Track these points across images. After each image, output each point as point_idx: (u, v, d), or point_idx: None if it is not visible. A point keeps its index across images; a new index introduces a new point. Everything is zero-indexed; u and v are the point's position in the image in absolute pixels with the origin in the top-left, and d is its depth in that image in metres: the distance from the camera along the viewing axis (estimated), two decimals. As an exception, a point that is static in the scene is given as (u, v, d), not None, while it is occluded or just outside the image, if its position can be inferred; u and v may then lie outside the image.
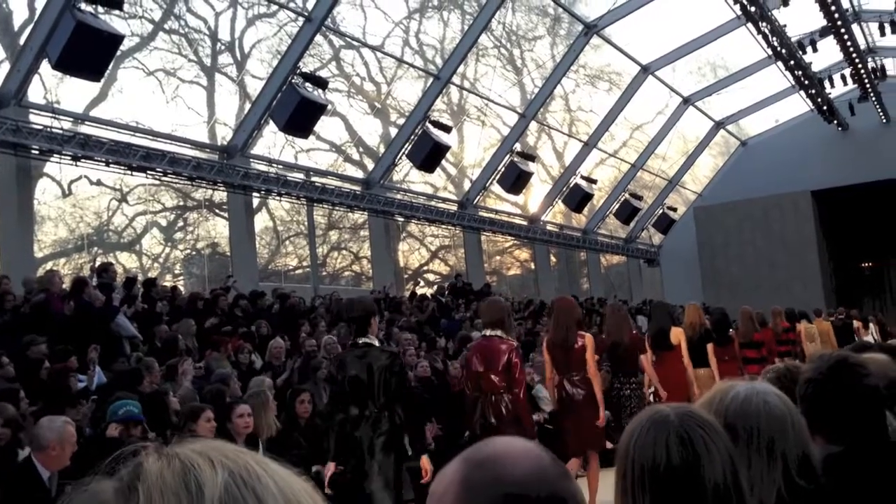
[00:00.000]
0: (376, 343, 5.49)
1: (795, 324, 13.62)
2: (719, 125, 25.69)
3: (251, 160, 14.59)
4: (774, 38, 16.60)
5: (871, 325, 19.33)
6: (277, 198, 15.20)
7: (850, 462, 2.11)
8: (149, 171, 12.72)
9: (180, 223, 15.07)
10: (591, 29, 18.59)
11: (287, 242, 17.10)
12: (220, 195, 14.59)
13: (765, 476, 1.84)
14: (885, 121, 24.34)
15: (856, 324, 18.12)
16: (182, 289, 12.91)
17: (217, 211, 15.08)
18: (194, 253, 15.15)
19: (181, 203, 14.85)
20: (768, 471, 1.84)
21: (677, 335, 8.50)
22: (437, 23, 17.58)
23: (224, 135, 14.40)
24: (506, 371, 5.81)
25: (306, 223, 16.54)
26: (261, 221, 16.10)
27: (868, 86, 20.90)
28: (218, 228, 15.15)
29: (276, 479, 0.78)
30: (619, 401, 7.90)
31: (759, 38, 16.88)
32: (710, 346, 8.89)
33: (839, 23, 16.57)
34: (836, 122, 23.67)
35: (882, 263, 30.17)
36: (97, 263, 11.48)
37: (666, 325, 8.68)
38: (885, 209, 27.00)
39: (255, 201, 15.28)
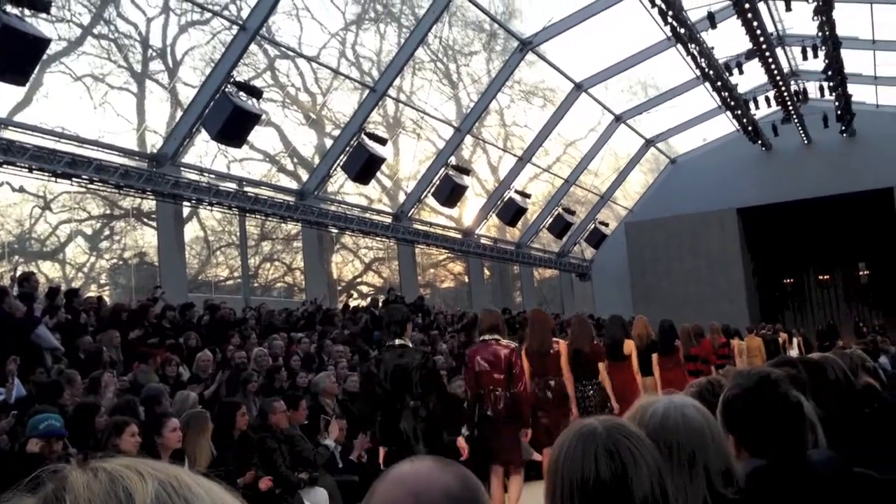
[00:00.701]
0: (410, 344, 6.35)
1: (730, 339, 14.60)
2: (650, 143, 26.27)
3: (182, 169, 14.32)
4: (703, 60, 17.07)
5: (794, 339, 20.29)
6: (209, 207, 14.91)
7: (772, 476, 2.17)
8: (74, 179, 12.35)
9: (106, 232, 14.70)
10: (527, 45, 18.83)
11: (218, 253, 16.84)
12: (149, 204, 14.28)
13: (688, 488, 1.86)
14: (806, 142, 25.24)
15: (782, 338, 19.23)
16: (107, 299, 12.57)
17: (145, 220, 14.76)
18: (121, 263, 14.79)
19: (108, 211, 14.49)
20: (691, 483, 1.87)
21: (630, 346, 9.15)
22: (374, 35, 17.59)
23: (154, 143, 14.12)
24: (507, 370, 6.51)
25: (238, 233, 16.31)
26: (191, 231, 15.83)
27: (791, 108, 21.63)
28: (146, 238, 14.83)
29: (206, 489, 0.77)
30: (584, 401, 8.29)
31: (689, 59, 17.34)
32: (654, 356, 9.70)
33: (764, 46, 17.13)
34: (760, 142, 24.42)
35: (802, 279, 31.22)
36: (18, 272, 11.09)
37: (620, 336, 9.28)
38: (805, 227, 28.00)
39: (186, 211, 14.99)
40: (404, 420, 5.94)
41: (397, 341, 6.16)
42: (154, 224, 14.56)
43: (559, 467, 1.60)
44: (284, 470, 6.87)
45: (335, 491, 7.21)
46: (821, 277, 31.07)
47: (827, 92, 20.99)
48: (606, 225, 26.87)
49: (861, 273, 30.37)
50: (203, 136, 13.73)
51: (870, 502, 2.38)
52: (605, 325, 9.79)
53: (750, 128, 22.46)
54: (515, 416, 6.50)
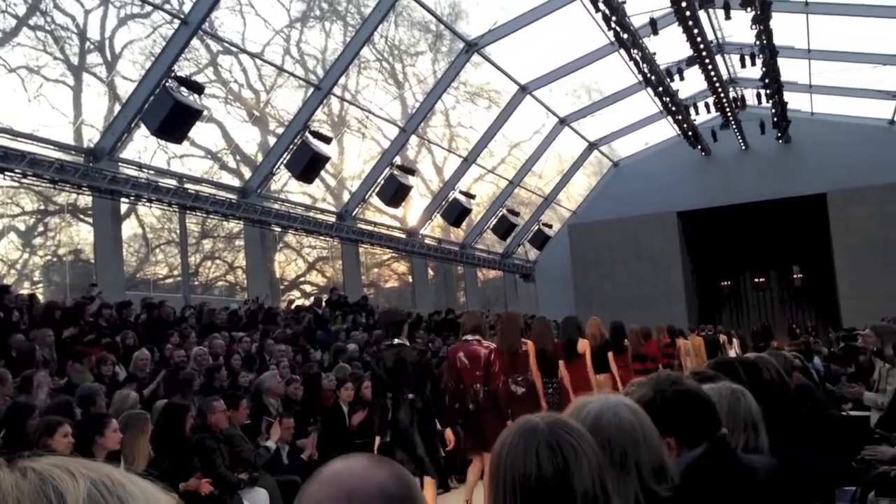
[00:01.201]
0: (407, 343, 6.90)
1: (675, 339, 15.13)
2: (593, 146, 26.59)
3: (120, 164, 14.00)
4: (645, 65, 17.33)
5: (734, 340, 21.09)
6: (147, 204, 14.60)
7: (702, 471, 2.21)
8: (6, 173, 11.96)
9: (40, 228, 14.29)
10: (472, 47, 18.90)
11: (157, 251, 16.51)
12: (85, 200, 13.92)
13: (620, 486, 1.89)
14: (744, 148, 25.84)
15: (722, 338, 19.93)
16: (41, 297, 12.22)
17: (81, 216, 14.39)
18: (55, 260, 14.39)
19: (42, 207, 14.09)
20: (623, 481, 1.89)
21: (583, 345, 9.70)
22: (319, 33, 17.45)
23: (91, 137, 13.78)
24: (485, 368, 7.11)
25: (178, 231, 16.01)
26: (129, 228, 15.48)
27: (729, 114, 22.12)
28: (82, 234, 14.47)
29: (140, 488, 0.74)
30: (546, 398, 8.65)
31: (631, 64, 17.59)
32: (610, 355, 10.35)
33: (704, 53, 17.47)
34: (700, 147, 24.91)
35: (739, 282, 31.96)
36: (-54, 269, 10.73)
37: (574, 336, 9.79)
38: (742, 231, 28.67)
39: (124, 207, 14.66)
40: (402, 411, 6.53)
41: (395, 340, 6.78)
42: (90, 220, 14.20)
43: (501, 463, 1.60)
44: (224, 470, 6.77)
45: (276, 491, 7.13)
46: (756, 280, 31.84)
47: (764, 99, 21.54)
48: (550, 227, 27.11)
49: (795, 276, 31.19)
50: (142, 132, 13.45)
51: (801, 499, 2.45)
52: (561, 326, 10.19)
53: (690, 133, 22.90)
54: (494, 408, 7.06)
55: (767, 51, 17.75)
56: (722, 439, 2.36)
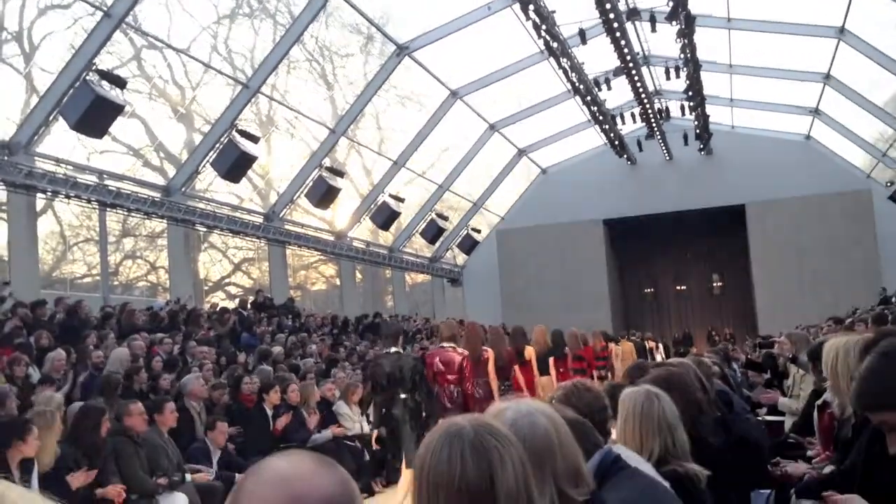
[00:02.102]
0: (402, 351, 8.27)
1: (609, 343, 16.19)
2: (522, 152, 26.85)
3: (36, 158, 13.51)
4: (573, 74, 17.60)
5: (659, 345, 21.93)
6: (65, 200, 14.10)
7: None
8: (-86, 164, 11.45)
9: (-50, 223, 13.69)
10: (403, 50, 18.88)
11: (75, 249, 15.99)
12: (-1, 195, 13.39)
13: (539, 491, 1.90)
14: (668, 158, 26.45)
15: (649, 344, 21.21)
16: (-51, 295, 11.68)
17: (-6, 212, 13.83)
18: (-35, 257, 13.80)
19: (-48, 201, 13.50)
20: (540, 487, 1.90)
21: (530, 352, 10.78)
22: (248, 31, 17.17)
23: (6, 130, 13.25)
24: (459, 372, 8.02)
25: (98, 229, 15.53)
26: (45, 225, 14.95)
27: (654, 125, 22.62)
28: (-5, 231, 13.90)
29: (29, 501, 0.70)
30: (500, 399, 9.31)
31: (560, 72, 17.84)
32: (551, 360, 11.69)
33: (631, 64, 17.83)
34: (626, 156, 25.40)
35: (661, 289, 32.68)
36: None
37: (522, 344, 10.82)
38: (665, 239, 29.35)
39: (40, 203, 14.16)
40: (396, 408, 7.60)
41: (393, 349, 7.96)
42: (4, 216, 13.67)
43: (425, 466, 1.58)
44: (142, 475, 6.58)
45: (195, 497, 6.97)
46: (678, 287, 32.58)
47: (687, 111, 22.09)
48: (479, 231, 27.25)
49: (714, 284, 32.05)
50: (61, 125, 13.00)
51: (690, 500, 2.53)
52: (511, 335, 11.29)
53: (616, 142, 23.32)
54: (465, 408, 7.78)
55: (691, 64, 18.21)
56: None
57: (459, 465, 1.54)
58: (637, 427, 2.96)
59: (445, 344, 8.30)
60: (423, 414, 7.80)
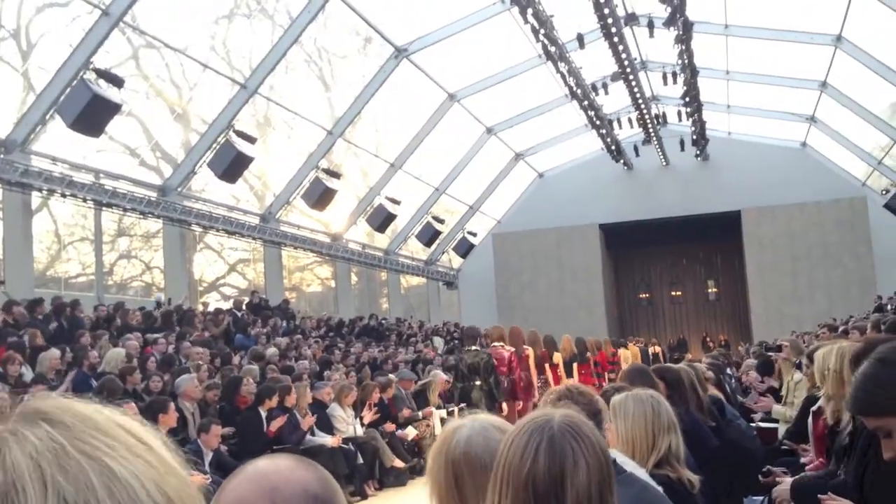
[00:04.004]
0: (478, 348, 10.67)
1: (619, 349, 17.87)
2: (519, 156, 26.87)
3: (32, 156, 13.48)
4: (571, 79, 17.61)
5: (659, 351, 22.64)
6: (61, 199, 14.07)
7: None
8: None
9: (-56, 221, 13.62)
10: (402, 53, 18.88)
11: (70, 248, 15.94)
12: (-5, 193, 13.34)
13: None
14: (664, 163, 26.49)
15: (653, 349, 22.09)
16: (-58, 293, 11.65)
17: (-11, 210, 13.77)
18: (-40, 254, 13.74)
19: (-53, 199, 13.44)
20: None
21: (557, 358, 13.06)
22: (246, 31, 17.13)
23: (2, 127, 13.20)
24: (508, 365, 10.46)
25: (93, 228, 15.49)
26: (40, 224, 14.90)
27: (651, 130, 22.65)
28: (-11, 229, 13.84)
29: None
30: (539, 388, 11.25)
31: (558, 77, 17.85)
32: (575, 365, 13.63)
33: (628, 70, 17.86)
34: (622, 161, 25.42)
35: (657, 294, 32.74)
36: None
37: (552, 350, 13.01)
38: (661, 245, 29.41)
39: (36, 202, 14.11)
40: (475, 391, 10.00)
41: (473, 347, 10.61)
42: (-1, 214, 13.62)
43: (503, 452, 1.62)
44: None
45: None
46: (673, 293, 32.64)
47: (684, 117, 22.14)
48: (475, 235, 27.24)
49: (709, 290, 32.12)
50: (58, 124, 12.97)
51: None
52: (542, 342, 12.87)
53: (613, 147, 23.33)
54: (512, 393, 10.43)
55: (688, 70, 18.25)
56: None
57: (531, 459, 1.56)
58: (650, 427, 2.98)
59: (496, 343, 10.85)
60: (494, 396, 10.07)
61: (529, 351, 11.21)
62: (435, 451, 1.99)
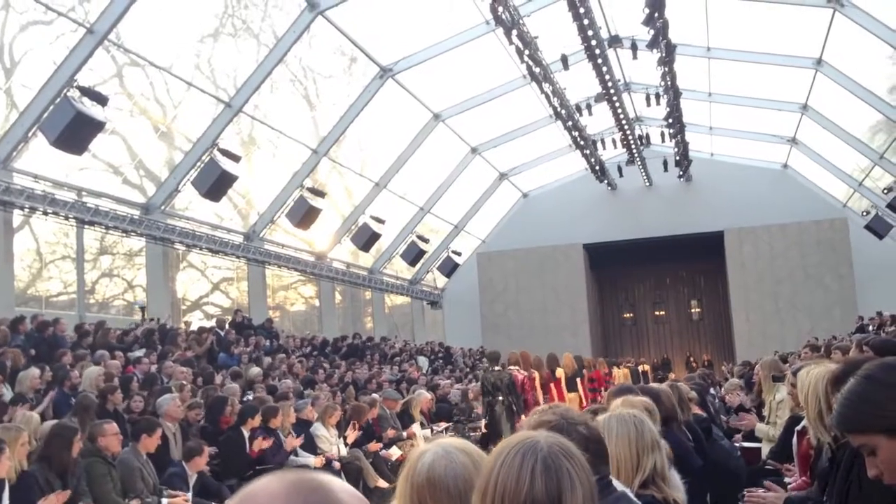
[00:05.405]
0: (501, 369, 12.00)
1: (613, 368, 18.91)
2: (503, 176, 26.96)
3: (14, 174, 13.38)
4: (555, 99, 17.73)
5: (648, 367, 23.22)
6: (43, 217, 13.96)
7: None
8: None
9: (-76, 239, 13.46)
10: (387, 73, 18.94)
11: (51, 266, 15.80)
12: (-25, 210, 13.21)
13: None
14: (648, 184, 26.66)
15: (642, 368, 22.74)
16: (-79, 311, 11.50)
17: (-30, 227, 13.63)
18: (-61, 272, 13.57)
19: (-73, 216, 13.30)
20: None
21: (560, 373, 14.08)
22: (231, 50, 17.13)
23: (-16, 145, 13.11)
24: (521, 386, 11.84)
25: (75, 246, 15.37)
26: (22, 242, 14.77)
27: (634, 151, 22.81)
28: (-31, 247, 13.69)
29: None
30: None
31: (542, 97, 17.96)
32: (578, 381, 14.60)
33: (612, 91, 18.00)
34: (606, 181, 25.57)
35: (640, 314, 32.81)
36: None
37: (554, 367, 14.01)
38: (645, 265, 29.51)
39: (17, 220, 14.00)
40: (497, 407, 11.40)
41: (495, 368, 11.98)
42: (-21, 232, 13.48)
43: (494, 473, 1.59)
44: (114, 497, 6.47)
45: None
46: (656, 313, 32.74)
47: (667, 138, 22.30)
48: (459, 254, 27.25)
49: (693, 310, 32.23)
50: (40, 141, 12.89)
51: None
52: (546, 360, 13.95)
53: (597, 167, 23.48)
54: (526, 412, 10.86)
55: (671, 91, 18.41)
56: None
57: (529, 481, 1.54)
58: (634, 446, 2.99)
59: (512, 367, 12.14)
60: (514, 412, 11.25)
61: (536, 374, 12.70)
62: (402, 477, 1.97)
